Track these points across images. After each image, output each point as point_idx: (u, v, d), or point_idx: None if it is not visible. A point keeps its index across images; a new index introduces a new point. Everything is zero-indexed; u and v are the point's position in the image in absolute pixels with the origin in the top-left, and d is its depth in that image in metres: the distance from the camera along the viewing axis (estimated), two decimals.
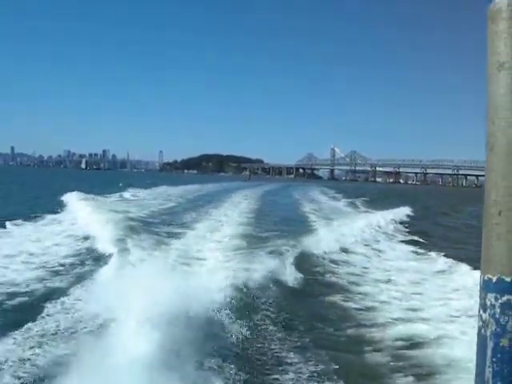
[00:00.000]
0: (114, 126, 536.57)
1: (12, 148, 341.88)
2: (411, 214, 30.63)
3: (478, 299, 1.89)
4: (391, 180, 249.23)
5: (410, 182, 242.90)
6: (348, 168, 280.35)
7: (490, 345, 1.81)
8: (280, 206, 38.82)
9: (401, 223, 25.22)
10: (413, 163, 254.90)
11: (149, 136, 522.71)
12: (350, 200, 41.90)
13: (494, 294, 1.80)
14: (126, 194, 37.31)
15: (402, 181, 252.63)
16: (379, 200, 46.90)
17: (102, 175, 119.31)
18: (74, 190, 30.91)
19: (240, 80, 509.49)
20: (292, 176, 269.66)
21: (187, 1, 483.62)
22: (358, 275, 12.07)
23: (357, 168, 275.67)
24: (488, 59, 1.75)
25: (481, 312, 1.84)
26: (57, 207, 23.92)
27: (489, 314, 1.80)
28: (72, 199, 27.30)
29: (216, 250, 14.45)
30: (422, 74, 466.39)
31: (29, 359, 5.76)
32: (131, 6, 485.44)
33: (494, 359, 1.81)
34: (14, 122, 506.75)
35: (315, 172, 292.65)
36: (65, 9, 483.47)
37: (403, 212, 30.24)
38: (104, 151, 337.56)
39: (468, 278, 11.02)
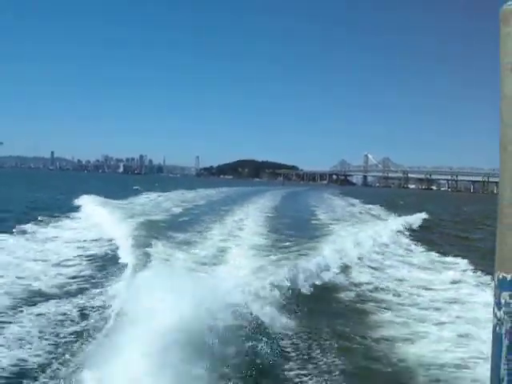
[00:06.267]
0: (151, 132, 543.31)
1: (52, 153, 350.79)
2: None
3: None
4: (423, 187, 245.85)
5: (442, 189, 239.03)
6: (381, 174, 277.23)
7: (505, 342, 1.81)
8: None
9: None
10: (444, 170, 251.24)
11: (185, 141, 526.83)
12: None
13: (508, 292, 1.80)
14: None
15: (434, 187, 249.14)
16: None
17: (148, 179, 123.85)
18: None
19: (277, 88, 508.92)
20: (325, 182, 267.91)
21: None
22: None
23: (389, 175, 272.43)
24: (500, 61, 1.75)
25: (495, 310, 1.83)
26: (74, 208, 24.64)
27: (504, 312, 1.80)
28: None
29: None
30: (454, 83, 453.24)
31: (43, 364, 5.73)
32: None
33: (510, 357, 1.80)
34: (54, 128, 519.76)
35: (348, 178, 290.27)
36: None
37: None
38: (141, 156, 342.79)
39: None
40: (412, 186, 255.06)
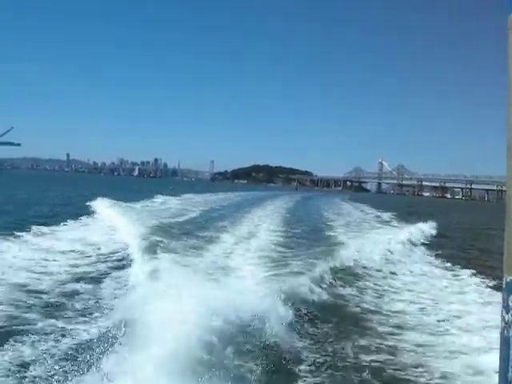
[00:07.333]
0: (166, 135, 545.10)
1: (67, 155, 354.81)
2: None
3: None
4: (438, 195, 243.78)
5: (457, 197, 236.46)
6: (395, 182, 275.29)
7: None
8: None
9: None
10: (458, 178, 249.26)
11: (200, 145, 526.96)
12: None
13: None
14: None
15: (449, 195, 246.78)
16: None
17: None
18: None
19: (293, 92, 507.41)
20: (340, 188, 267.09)
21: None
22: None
23: (403, 182, 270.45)
24: (509, 68, 1.78)
25: (503, 313, 1.86)
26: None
27: (511, 315, 1.84)
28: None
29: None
30: (469, 89, 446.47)
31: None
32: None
33: None
34: (70, 130, 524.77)
35: (363, 185, 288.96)
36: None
37: None
38: (156, 159, 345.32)
39: None
40: (426, 194, 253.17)
